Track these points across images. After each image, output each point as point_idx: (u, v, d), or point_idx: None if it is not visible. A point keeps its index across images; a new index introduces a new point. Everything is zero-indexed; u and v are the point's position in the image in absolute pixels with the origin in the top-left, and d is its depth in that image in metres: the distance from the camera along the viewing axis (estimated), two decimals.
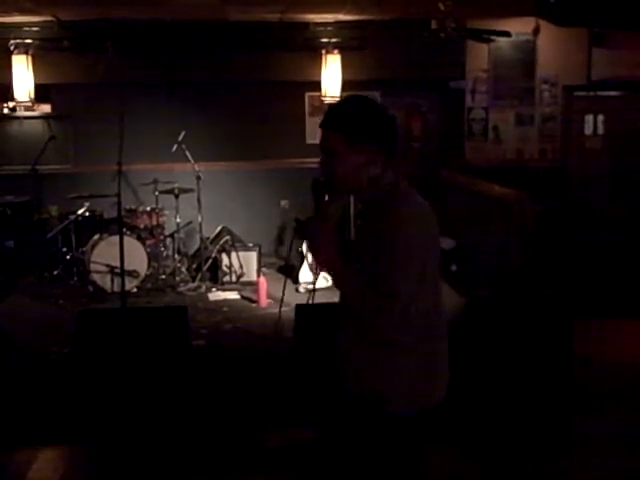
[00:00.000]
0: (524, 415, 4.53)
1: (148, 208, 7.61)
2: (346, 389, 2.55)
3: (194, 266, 7.84)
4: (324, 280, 7.40)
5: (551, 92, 8.93)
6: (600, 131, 9.11)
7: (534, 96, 8.91)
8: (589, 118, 9.07)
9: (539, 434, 4.37)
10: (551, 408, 4.63)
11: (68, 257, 7.47)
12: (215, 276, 7.67)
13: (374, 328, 2.43)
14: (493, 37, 8.28)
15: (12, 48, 7.66)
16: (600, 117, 9.07)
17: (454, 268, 6.24)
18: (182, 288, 7.46)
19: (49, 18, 7.44)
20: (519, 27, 8.57)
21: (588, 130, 9.11)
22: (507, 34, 8.33)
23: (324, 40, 8.14)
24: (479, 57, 8.74)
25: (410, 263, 2.36)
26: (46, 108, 8.40)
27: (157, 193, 7.64)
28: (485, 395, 4.63)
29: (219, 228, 8.11)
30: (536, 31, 8.70)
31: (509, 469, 4.07)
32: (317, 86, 8.35)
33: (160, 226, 7.67)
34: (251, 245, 7.83)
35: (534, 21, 8.61)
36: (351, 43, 8.21)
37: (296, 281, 7.46)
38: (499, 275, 5.68)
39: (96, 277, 7.10)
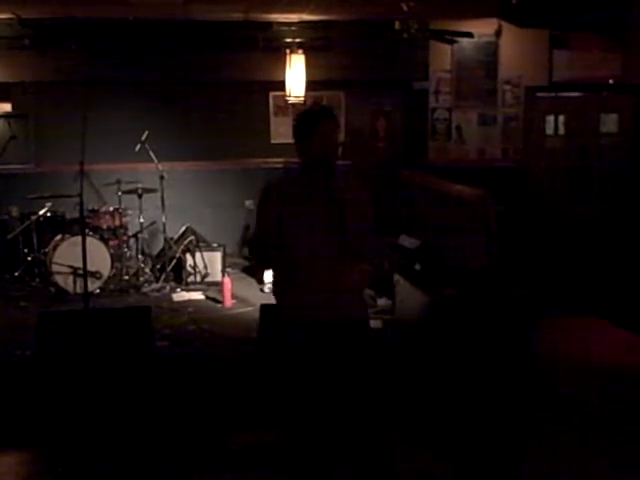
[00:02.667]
0: (489, 412, 4.58)
1: (111, 208, 7.54)
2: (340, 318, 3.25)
3: (158, 266, 7.79)
4: None
5: (513, 93, 9.02)
6: (561, 131, 9.24)
7: (497, 97, 8.99)
8: (550, 119, 9.20)
9: (505, 431, 4.43)
10: (512, 404, 4.70)
11: (29, 258, 7.37)
12: (179, 276, 7.63)
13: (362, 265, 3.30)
14: (456, 38, 8.38)
15: None
16: (561, 117, 9.20)
17: (418, 267, 6.28)
18: (146, 289, 7.40)
19: (9, 16, 7.34)
20: (481, 28, 8.65)
21: (549, 130, 9.23)
22: (470, 35, 8.44)
23: (288, 40, 8.13)
24: (442, 58, 8.79)
25: None
26: (6, 107, 8.29)
27: (120, 193, 7.57)
28: (451, 394, 4.68)
29: (183, 228, 8.08)
30: (498, 32, 8.78)
31: (477, 468, 4.10)
32: (281, 86, 8.33)
33: (123, 226, 7.61)
34: (215, 245, 7.80)
35: (496, 22, 8.69)
36: (315, 43, 8.22)
37: (261, 281, 7.45)
38: (463, 274, 5.74)
39: (58, 278, 7.02)
